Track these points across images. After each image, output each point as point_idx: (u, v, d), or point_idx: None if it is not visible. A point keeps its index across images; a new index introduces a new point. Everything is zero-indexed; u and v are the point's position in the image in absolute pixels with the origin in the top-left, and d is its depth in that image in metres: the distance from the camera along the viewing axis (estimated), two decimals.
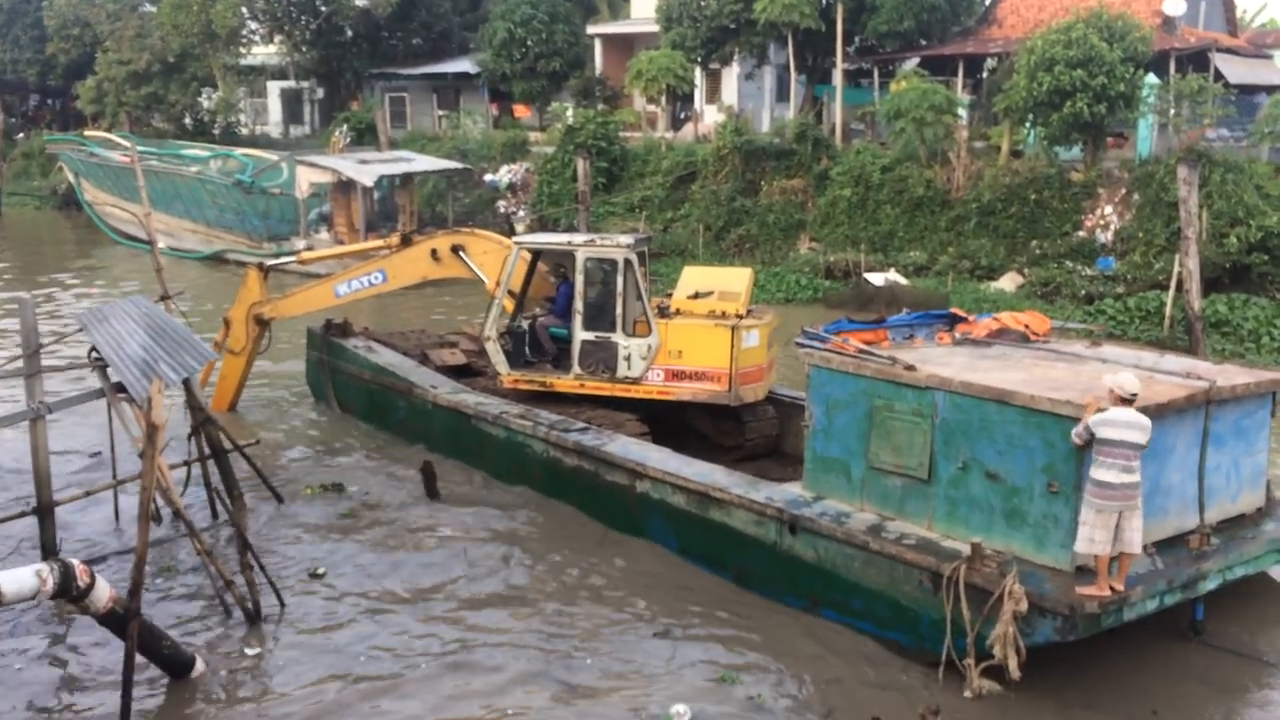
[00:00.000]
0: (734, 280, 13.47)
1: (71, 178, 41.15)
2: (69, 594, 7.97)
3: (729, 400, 12.68)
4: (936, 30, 33.08)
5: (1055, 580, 8.53)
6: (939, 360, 10.08)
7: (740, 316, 12.80)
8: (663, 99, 34.91)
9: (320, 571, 10.94)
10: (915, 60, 32.97)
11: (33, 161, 49.37)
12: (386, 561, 11.22)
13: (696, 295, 13.19)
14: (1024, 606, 8.27)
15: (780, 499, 10.22)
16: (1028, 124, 26.55)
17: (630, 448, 11.83)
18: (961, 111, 28.87)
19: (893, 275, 25.29)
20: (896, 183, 27.61)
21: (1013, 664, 8.34)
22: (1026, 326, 11.73)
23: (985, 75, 33.76)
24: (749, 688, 8.78)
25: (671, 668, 9.11)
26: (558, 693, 8.73)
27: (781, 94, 38.28)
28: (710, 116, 37.82)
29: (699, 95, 39.22)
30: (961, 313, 12.24)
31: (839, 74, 32.70)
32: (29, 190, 47.09)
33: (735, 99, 38.58)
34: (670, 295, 13.57)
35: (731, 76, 38.79)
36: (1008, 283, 24.65)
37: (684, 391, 12.80)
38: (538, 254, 14.19)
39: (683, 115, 39.98)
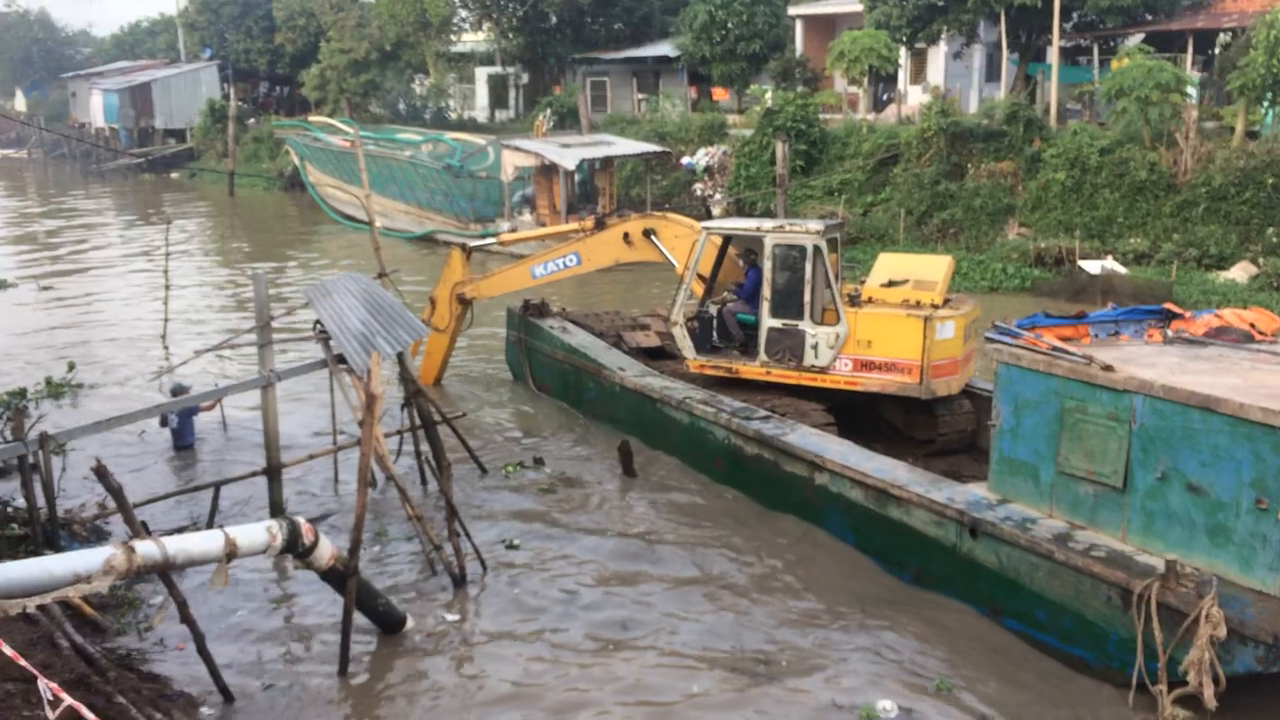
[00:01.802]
0: (931, 268, 13.29)
1: (297, 161, 44.32)
2: (295, 550, 8.67)
3: (920, 393, 12.56)
4: (1163, 4, 31.22)
5: (1260, 605, 8.07)
6: (1144, 360, 9.71)
7: (936, 306, 12.63)
8: (865, 80, 34.41)
9: (515, 542, 11.57)
10: (1139, 36, 31.21)
11: (262, 145, 53.26)
12: (581, 536, 11.75)
13: (890, 283, 13.05)
14: (1222, 632, 7.81)
15: (962, 500, 10.07)
16: (1266, 103, 24.77)
17: (810, 439, 11.90)
18: (1190, 90, 27.20)
19: (1110, 263, 24.17)
20: (1116, 165, 26.31)
21: (1208, 693, 7.88)
22: (1252, 325, 10.91)
23: (1217, 52, 31.61)
24: (960, 696, 8.65)
25: (866, 664, 9.13)
26: (750, 680, 8.89)
27: (991, 73, 37.01)
28: (914, 98, 37.00)
29: (903, 76, 38.41)
30: (1177, 308, 11.63)
31: (1054, 51, 31.35)
32: (258, 172, 50.90)
33: (942, 79, 37.57)
34: (863, 282, 13.54)
35: (938, 56, 37.80)
36: (1239, 273, 23.14)
37: (872, 383, 12.77)
38: (728, 239, 14.39)
39: (885, 97, 39.26)
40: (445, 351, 17.43)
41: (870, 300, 13.01)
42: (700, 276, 14.43)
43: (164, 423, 14.82)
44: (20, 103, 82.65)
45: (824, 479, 11.43)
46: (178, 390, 14.30)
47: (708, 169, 34.56)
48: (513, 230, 28.15)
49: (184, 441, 14.76)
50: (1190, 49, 30.64)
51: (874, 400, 13.27)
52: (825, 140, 32.39)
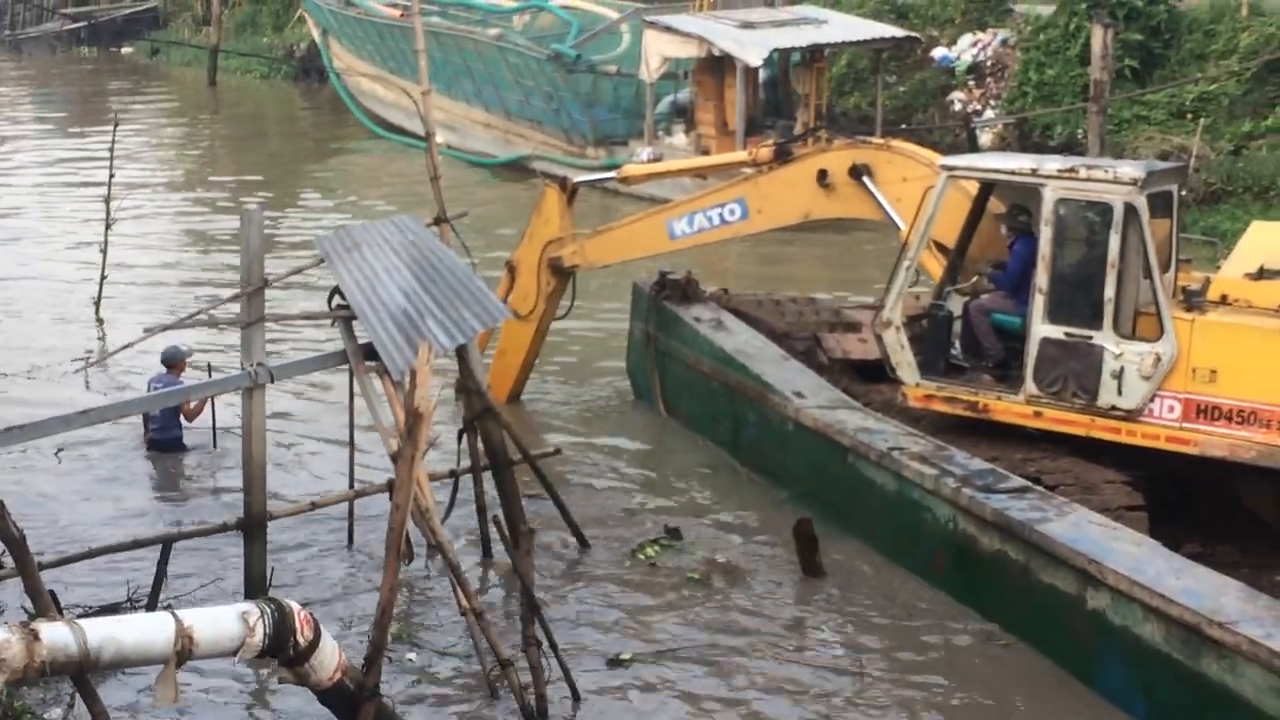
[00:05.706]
0: None
1: (317, 35, 45.33)
2: (282, 652, 8.83)
3: None
4: None
5: None
6: None
7: None
8: None
9: (625, 657, 11.72)
10: None
11: (263, 9, 54.65)
12: (733, 661, 11.81)
13: (1262, 273, 12.95)
14: None
15: None
16: None
17: (1087, 531, 11.69)
18: None
19: None
20: None
21: None
22: None
23: None
24: None
25: None
26: None
27: None
28: None
29: None
30: None
31: None
32: (255, 50, 52.34)
33: None
34: (1217, 269, 13.38)
35: None
36: None
37: (1216, 443, 12.56)
38: (986, 188, 14.33)
39: None
40: (530, 350, 17.78)
41: (1223, 300, 12.91)
42: (938, 247, 14.45)
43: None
44: None
45: (1101, 601, 11.18)
46: (172, 357, 15.81)
47: (974, 68, 34.31)
48: (657, 159, 28.35)
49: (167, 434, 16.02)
50: None
51: (1222, 473, 13.05)
52: (1176, 26, 31.76)
